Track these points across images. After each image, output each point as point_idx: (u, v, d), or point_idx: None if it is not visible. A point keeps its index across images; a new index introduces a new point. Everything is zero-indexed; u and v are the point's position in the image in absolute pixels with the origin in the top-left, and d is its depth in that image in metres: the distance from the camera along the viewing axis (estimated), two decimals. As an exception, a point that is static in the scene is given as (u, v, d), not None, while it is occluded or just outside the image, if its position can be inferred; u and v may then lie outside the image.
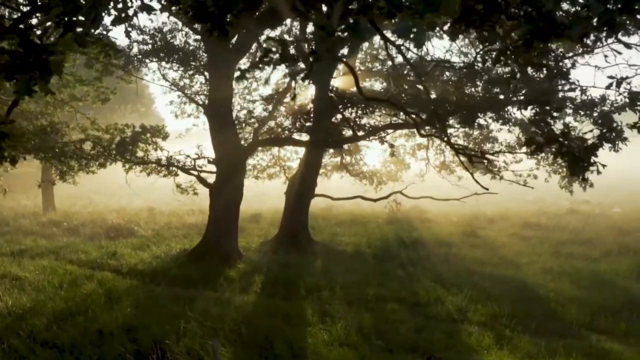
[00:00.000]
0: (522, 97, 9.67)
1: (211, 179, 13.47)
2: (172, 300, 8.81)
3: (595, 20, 2.59)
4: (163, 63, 14.18)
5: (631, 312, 8.56)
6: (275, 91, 14.02)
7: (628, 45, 3.80)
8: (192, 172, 13.25)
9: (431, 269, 12.08)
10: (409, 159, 20.89)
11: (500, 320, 8.32)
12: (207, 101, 13.09)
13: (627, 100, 5.96)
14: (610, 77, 4.32)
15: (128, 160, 13.48)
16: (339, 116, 12.89)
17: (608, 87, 4.99)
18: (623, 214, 21.39)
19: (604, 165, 4.30)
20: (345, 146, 20.06)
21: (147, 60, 14.42)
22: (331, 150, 21.08)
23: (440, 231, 17.91)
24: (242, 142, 13.36)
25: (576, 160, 3.73)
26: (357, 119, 11.41)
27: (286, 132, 12.21)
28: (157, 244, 14.72)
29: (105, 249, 13.77)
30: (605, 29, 2.59)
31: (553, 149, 4.12)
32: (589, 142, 3.90)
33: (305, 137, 12.77)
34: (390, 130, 12.33)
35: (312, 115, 11.44)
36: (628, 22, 2.66)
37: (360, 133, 11.69)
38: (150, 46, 13.80)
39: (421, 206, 23.17)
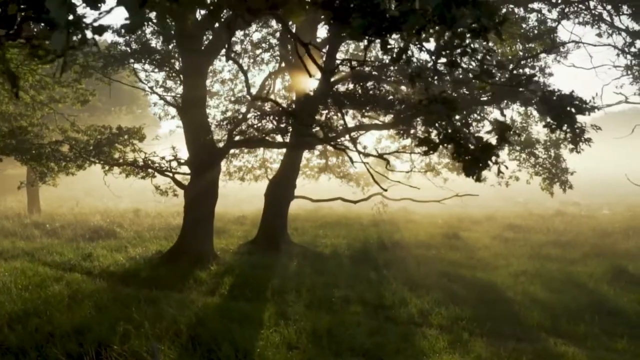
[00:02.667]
0: (489, 97, 9.62)
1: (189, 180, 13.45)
2: (134, 302, 8.77)
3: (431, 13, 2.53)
4: (139, 65, 14.19)
5: (593, 315, 8.47)
6: (249, 94, 13.88)
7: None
8: (167, 173, 13.23)
9: (404, 271, 12.01)
10: (394, 160, 20.77)
11: (460, 323, 8.24)
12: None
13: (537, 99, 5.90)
14: (519, 74, 4.23)
15: (105, 161, 13.49)
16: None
17: (517, 84, 4.92)
18: (609, 216, 21.24)
19: (506, 167, 4.24)
20: (331, 148, 20.04)
21: (125, 62, 14.42)
22: (317, 152, 21.12)
23: (423, 233, 17.83)
24: (218, 144, 13.33)
25: (472, 161, 3.66)
26: (328, 120, 11.37)
27: (260, 133, 12.16)
28: (135, 246, 14.71)
29: (82, 250, 13.77)
30: (439, 22, 2.53)
31: (450, 149, 4.02)
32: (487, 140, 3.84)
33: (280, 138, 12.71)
34: (362, 132, 12.29)
35: (284, 116, 11.40)
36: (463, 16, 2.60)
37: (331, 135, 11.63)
38: (127, 48, 13.81)
39: (408, 208, 23.14)
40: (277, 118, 11.26)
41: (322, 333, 7.48)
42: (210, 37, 12.99)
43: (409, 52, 3.71)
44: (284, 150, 15.59)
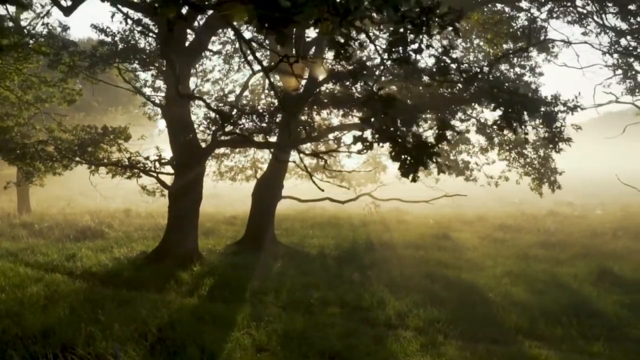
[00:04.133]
0: (469, 96, 9.54)
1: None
2: (109, 303, 8.71)
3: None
4: (127, 65, 14.16)
5: (573, 317, 8.35)
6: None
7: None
8: (151, 173, 13.14)
9: (388, 272, 11.90)
10: (386, 160, 20.74)
11: (436, 326, 8.14)
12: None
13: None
14: (469, 72, 4.12)
15: (89, 161, 13.43)
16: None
17: (464, 81, 4.79)
18: (602, 216, 21.09)
19: (448, 166, 4.13)
20: (323, 147, 19.99)
21: (111, 62, 14.37)
22: (307, 152, 21.03)
23: (413, 233, 17.72)
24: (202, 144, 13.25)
25: (410, 160, 3.55)
26: (309, 120, 11.30)
27: (245, 133, 12.07)
28: (121, 246, 14.62)
29: (66, 251, 13.69)
30: (334, 13, 2.43)
31: (387, 148, 3.93)
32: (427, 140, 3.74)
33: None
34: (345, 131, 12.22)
35: (266, 115, 11.33)
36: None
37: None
38: (113, 48, 13.77)
39: (400, 208, 23.04)
40: (259, 117, 11.17)
41: (294, 335, 7.39)
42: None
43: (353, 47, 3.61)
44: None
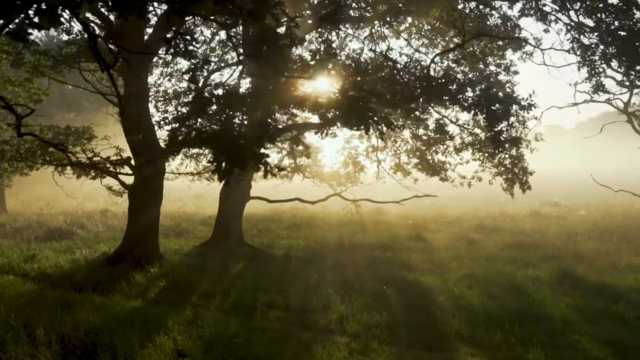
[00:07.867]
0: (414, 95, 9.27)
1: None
2: (50, 306, 8.55)
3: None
4: (88, 64, 14.03)
5: (516, 322, 8.08)
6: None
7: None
8: (111, 172, 12.97)
9: (346, 274, 11.67)
10: (363, 160, 20.50)
11: (374, 331, 7.91)
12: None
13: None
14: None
15: (48, 162, 13.31)
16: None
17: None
18: (584, 217, 20.75)
19: (279, 168, 3.90)
20: (301, 147, 19.76)
21: (74, 61, 14.24)
22: (284, 152, 20.85)
23: (387, 234, 17.48)
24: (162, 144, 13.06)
25: (228, 164, 3.31)
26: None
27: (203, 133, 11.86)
28: (88, 247, 14.49)
29: (28, 252, 13.57)
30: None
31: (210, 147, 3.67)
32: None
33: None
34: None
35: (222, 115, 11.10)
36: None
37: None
38: (72, 47, 13.64)
39: (382, 209, 22.83)
40: (208, 118, 10.94)
41: (222, 340, 7.19)
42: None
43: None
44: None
